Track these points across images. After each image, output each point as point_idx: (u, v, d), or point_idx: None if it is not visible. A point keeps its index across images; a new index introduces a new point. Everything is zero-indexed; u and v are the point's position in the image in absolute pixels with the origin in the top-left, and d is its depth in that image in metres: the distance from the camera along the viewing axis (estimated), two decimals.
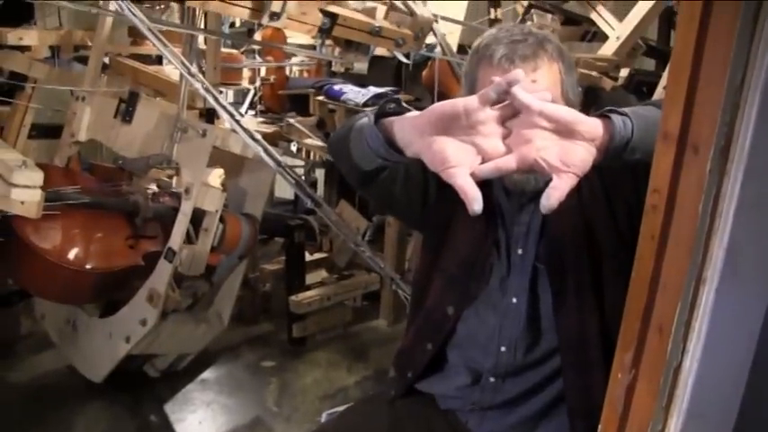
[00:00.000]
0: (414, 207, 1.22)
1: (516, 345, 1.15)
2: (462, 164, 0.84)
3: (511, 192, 1.14)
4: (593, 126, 0.85)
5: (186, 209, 2.11)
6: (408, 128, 0.92)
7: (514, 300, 1.14)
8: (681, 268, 0.62)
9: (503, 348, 1.15)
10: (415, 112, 0.94)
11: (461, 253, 1.18)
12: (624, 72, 2.66)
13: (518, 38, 1.07)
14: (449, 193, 1.19)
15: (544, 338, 1.14)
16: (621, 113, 0.87)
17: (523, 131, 0.84)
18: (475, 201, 0.82)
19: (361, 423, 1.26)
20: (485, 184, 1.06)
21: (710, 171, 0.59)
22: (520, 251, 1.14)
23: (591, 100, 2.63)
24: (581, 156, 0.83)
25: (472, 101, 0.85)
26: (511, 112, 0.85)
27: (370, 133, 0.97)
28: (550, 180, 1.11)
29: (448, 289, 1.20)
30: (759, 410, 0.64)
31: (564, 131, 0.84)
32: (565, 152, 0.83)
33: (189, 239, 2.17)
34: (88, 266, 2.06)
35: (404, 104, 0.98)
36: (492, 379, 1.17)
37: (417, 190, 1.19)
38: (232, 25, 4.12)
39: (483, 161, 0.85)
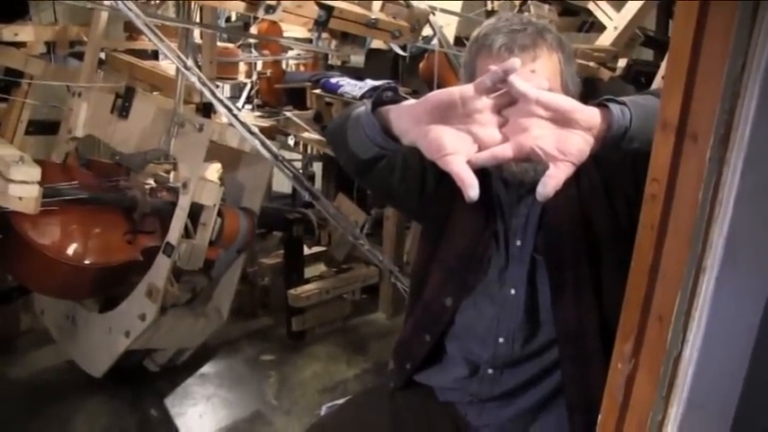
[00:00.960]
0: (412, 196, 1.21)
1: (514, 336, 1.14)
2: (458, 151, 0.84)
3: (509, 183, 1.14)
4: (590, 115, 0.85)
5: (184, 203, 2.10)
6: (405, 116, 0.92)
7: (513, 291, 1.14)
8: (680, 257, 0.62)
9: (501, 340, 1.15)
10: (411, 101, 0.94)
11: (460, 244, 1.18)
12: (622, 62, 2.65)
13: (517, 27, 1.07)
14: (448, 185, 1.18)
15: (542, 330, 1.14)
16: (619, 102, 0.87)
17: (520, 120, 0.84)
18: (471, 187, 0.81)
19: (361, 416, 1.26)
20: (483, 176, 1.06)
21: (710, 159, 0.59)
22: (518, 242, 1.14)
23: (589, 91, 2.62)
24: (578, 144, 0.83)
25: (468, 89, 0.84)
26: (508, 101, 0.85)
27: (366, 122, 0.97)
28: None
29: (446, 281, 1.20)
30: (759, 399, 0.64)
31: (561, 120, 0.83)
32: (562, 141, 0.83)
33: (187, 234, 2.17)
34: (87, 262, 2.06)
35: (401, 93, 0.98)
36: (490, 371, 1.17)
37: (415, 180, 1.19)
38: (228, 19, 4.11)
39: (479, 150, 0.85)
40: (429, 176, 1.19)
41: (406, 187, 1.19)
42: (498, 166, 1.10)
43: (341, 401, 1.39)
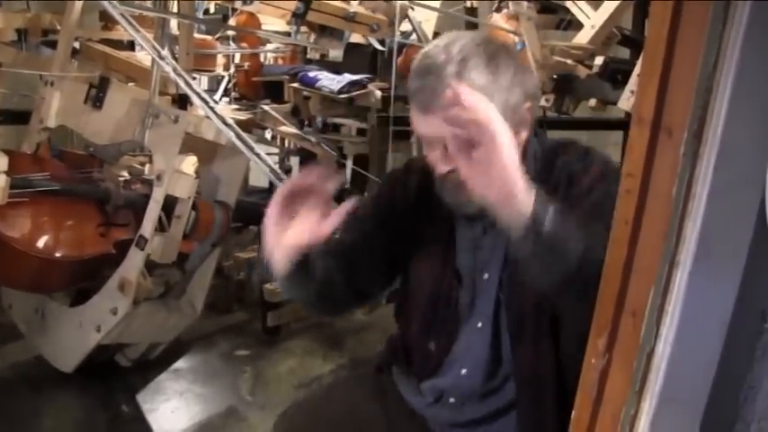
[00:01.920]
0: (386, 276, 1.26)
1: (476, 369, 1.13)
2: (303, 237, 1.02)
3: (473, 218, 1.11)
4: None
5: (158, 196, 2.08)
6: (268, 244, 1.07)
7: (480, 324, 1.13)
8: (654, 252, 0.62)
9: (463, 371, 1.14)
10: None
11: (426, 287, 1.17)
12: (599, 60, 2.67)
13: (417, 84, 1.01)
14: (405, 234, 1.18)
15: (504, 366, 1.12)
16: (556, 210, 0.86)
17: None
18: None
19: (347, 395, 1.27)
20: (445, 213, 1.10)
21: (684, 154, 0.59)
22: (485, 276, 1.12)
23: (566, 87, 2.64)
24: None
25: (283, 190, 1.03)
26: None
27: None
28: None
29: (424, 326, 1.19)
30: (729, 394, 0.64)
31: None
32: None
33: (161, 227, 2.14)
34: (58, 255, 2.02)
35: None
36: (452, 399, 1.16)
37: (378, 261, 1.21)
38: (206, 12, 4.07)
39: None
40: (387, 248, 1.20)
41: (370, 276, 1.22)
42: (456, 206, 1.08)
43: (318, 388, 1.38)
